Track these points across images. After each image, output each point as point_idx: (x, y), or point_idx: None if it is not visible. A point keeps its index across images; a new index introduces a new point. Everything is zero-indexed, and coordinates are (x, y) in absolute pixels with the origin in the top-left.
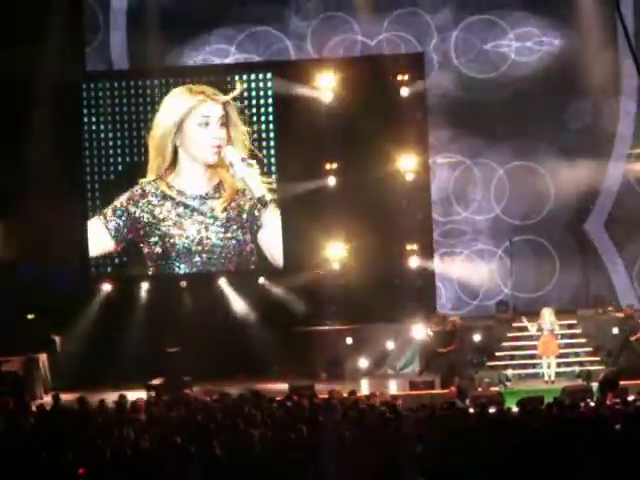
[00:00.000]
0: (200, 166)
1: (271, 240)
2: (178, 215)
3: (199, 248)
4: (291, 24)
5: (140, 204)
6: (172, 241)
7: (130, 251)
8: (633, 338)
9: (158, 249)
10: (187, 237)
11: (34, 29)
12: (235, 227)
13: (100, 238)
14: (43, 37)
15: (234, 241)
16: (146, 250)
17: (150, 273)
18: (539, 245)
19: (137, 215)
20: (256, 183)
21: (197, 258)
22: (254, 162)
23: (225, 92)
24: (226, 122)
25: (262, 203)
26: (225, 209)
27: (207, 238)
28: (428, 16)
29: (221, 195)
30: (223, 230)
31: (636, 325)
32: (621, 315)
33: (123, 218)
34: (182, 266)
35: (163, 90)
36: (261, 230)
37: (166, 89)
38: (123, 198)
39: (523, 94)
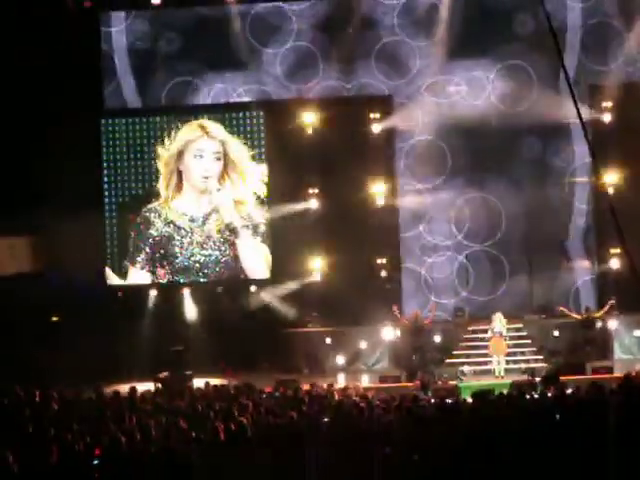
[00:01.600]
0: (197, 192)
1: (248, 257)
2: (178, 235)
3: (196, 264)
4: (272, 68)
5: (146, 227)
6: (173, 258)
7: (139, 265)
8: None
9: (162, 264)
10: (185, 255)
11: (59, 75)
12: (227, 245)
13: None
14: (67, 82)
15: (225, 257)
16: (152, 265)
17: (157, 282)
18: (494, 258)
19: (143, 235)
20: (227, 211)
21: (194, 272)
22: (228, 193)
23: (226, 127)
24: (222, 157)
25: (230, 229)
26: (219, 230)
27: (202, 255)
28: (395, 65)
29: (217, 218)
30: (216, 248)
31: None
32: (579, 317)
33: (133, 237)
34: (182, 278)
35: (171, 125)
36: (237, 250)
37: (174, 124)
38: (137, 219)
39: (477, 132)
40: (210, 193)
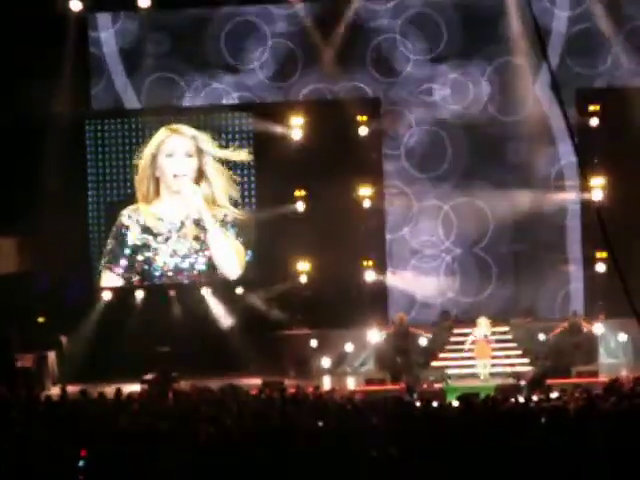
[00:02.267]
0: (172, 194)
1: (221, 258)
2: (155, 241)
3: (169, 272)
4: (260, 71)
5: (124, 231)
6: (150, 263)
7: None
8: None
9: (138, 270)
10: (161, 260)
11: (47, 75)
12: (203, 248)
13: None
14: (54, 82)
15: (200, 263)
16: (129, 271)
17: (141, 284)
18: (481, 261)
19: (124, 239)
20: (202, 212)
21: (169, 278)
22: (203, 193)
23: (213, 129)
24: (194, 154)
25: (203, 230)
26: (196, 237)
27: (177, 261)
28: (384, 68)
29: (193, 221)
30: (193, 252)
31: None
32: (565, 324)
33: (115, 240)
34: (163, 280)
35: (158, 127)
36: (212, 251)
37: (160, 126)
38: (117, 223)
39: (465, 135)
40: (184, 194)
